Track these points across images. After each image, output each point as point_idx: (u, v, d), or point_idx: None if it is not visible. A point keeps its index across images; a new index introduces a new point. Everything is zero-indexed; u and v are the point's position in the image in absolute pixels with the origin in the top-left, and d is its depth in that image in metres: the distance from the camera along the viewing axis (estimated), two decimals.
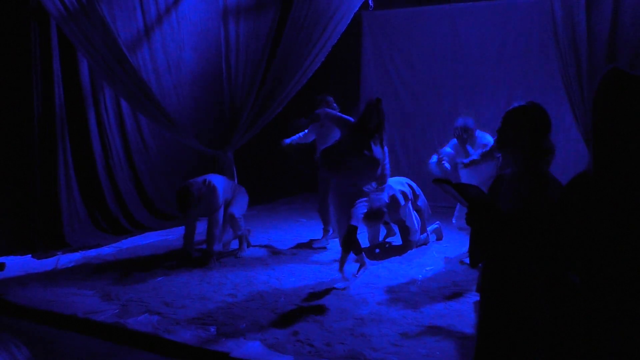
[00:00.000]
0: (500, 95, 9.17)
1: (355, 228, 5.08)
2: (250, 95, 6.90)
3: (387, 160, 5.27)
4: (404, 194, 6.35)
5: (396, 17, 10.03)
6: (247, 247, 6.56)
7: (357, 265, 5.54)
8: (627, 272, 1.81)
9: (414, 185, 6.66)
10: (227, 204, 6.29)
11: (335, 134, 5.85)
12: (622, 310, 1.82)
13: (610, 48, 5.12)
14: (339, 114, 5.36)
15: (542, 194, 2.34)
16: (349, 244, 5.14)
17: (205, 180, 6.01)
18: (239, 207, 6.41)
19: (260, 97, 6.95)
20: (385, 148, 5.22)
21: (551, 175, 2.43)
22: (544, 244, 2.08)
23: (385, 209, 5.67)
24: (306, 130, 6.63)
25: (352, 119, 5.19)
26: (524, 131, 2.46)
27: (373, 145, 5.04)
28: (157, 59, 7.83)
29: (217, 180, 6.13)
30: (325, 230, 6.83)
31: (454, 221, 6.07)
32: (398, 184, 6.49)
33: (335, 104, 6.51)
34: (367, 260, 5.63)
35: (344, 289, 5.10)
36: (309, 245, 6.77)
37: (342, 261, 5.25)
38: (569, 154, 7.83)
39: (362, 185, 5.15)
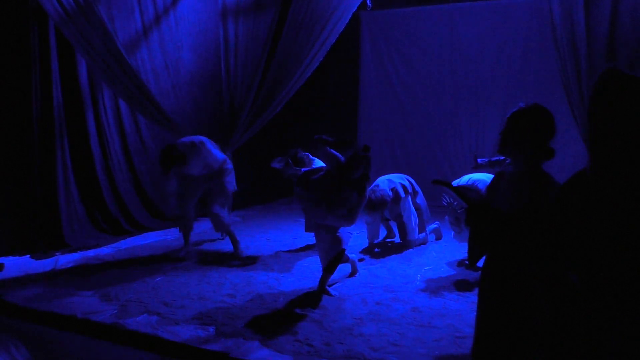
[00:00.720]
0: (499, 95, 9.18)
1: (343, 251, 4.98)
2: (249, 95, 6.91)
3: (361, 208, 5.01)
4: (404, 187, 6.43)
5: (395, 17, 10.03)
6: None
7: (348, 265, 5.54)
8: (626, 271, 1.81)
9: (413, 181, 6.69)
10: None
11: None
12: (621, 309, 1.82)
13: (609, 48, 5.12)
14: (335, 153, 4.97)
15: (542, 195, 2.34)
16: (335, 266, 5.02)
17: (193, 140, 6.02)
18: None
19: (259, 97, 6.96)
20: (367, 195, 5.08)
21: (551, 177, 2.44)
22: (544, 244, 2.09)
23: (387, 198, 5.66)
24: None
25: (342, 159, 4.90)
26: (526, 132, 2.46)
27: (349, 190, 4.80)
28: (155, 59, 7.83)
29: (208, 141, 6.15)
30: None
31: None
32: (398, 177, 6.57)
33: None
34: (358, 266, 5.64)
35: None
36: (308, 245, 6.77)
37: (324, 282, 5.04)
38: (568, 155, 7.82)
39: (330, 220, 4.88)
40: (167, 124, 6.75)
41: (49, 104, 6.54)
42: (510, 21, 9.11)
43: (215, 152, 6.19)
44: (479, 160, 6.19)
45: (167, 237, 7.23)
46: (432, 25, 9.72)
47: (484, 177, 5.70)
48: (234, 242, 6.36)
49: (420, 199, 6.68)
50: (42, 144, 6.50)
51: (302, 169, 5.65)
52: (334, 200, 4.76)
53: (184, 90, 8.29)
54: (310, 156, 6.40)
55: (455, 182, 5.57)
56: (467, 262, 5.72)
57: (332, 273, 5.04)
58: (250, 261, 6.11)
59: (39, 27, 6.37)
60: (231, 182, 6.27)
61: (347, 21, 6.74)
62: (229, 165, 6.26)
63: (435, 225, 6.99)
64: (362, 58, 10.41)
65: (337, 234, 4.93)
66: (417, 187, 6.68)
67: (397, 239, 6.84)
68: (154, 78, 7.77)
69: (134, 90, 6.39)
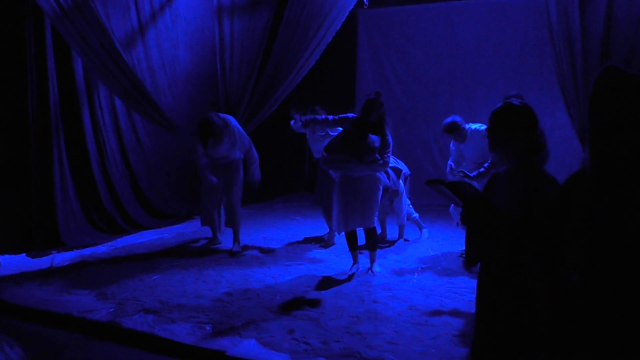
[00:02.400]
0: (495, 92, 9.16)
1: (374, 229, 5.43)
2: (245, 93, 6.89)
3: (389, 150, 5.32)
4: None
5: (392, 15, 10.03)
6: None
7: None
8: (626, 270, 1.81)
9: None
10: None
11: (326, 138, 6.15)
12: (621, 308, 1.82)
13: (605, 46, 5.13)
14: (336, 117, 5.38)
15: (537, 192, 2.33)
16: (376, 243, 5.57)
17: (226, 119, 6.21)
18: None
19: (256, 96, 6.94)
20: (390, 138, 5.31)
21: (546, 173, 2.42)
22: (542, 242, 2.08)
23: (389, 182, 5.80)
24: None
25: (351, 115, 5.35)
26: (515, 129, 2.44)
27: (373, 136, 5.17)
28: (151, 58, 7.82)
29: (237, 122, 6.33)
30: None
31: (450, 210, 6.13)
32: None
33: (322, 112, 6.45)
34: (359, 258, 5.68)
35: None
36: (305, 243, 6.78)
37: (373, 258, 5.60)
38: (564, 152, 7.84)
39: (364, 170, 5.23)
40: (163, 122, 6.74)
41: (45, 102, 6.51)
42: (507, 19, 9.11)
43: (244, 134, 6.31)
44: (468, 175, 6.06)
45: (164, 236, 7.22)
46: (429, 23, 9.72)
47: None
48: (238, 237, 6.46)
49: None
50: (38, 142, 6.47)
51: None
52: (360, 150, 5.13)
53: (180, 89, 8.28)
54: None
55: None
56: (463, 256, 5.74)
57: (376, 250, 5.58)
58: (247, 258, 6.11)
59: (35, 25, 6.34)
60: (256, 171, 6.39)
61: (344, 19, 6.72)
62: (255, 153, 6.36)
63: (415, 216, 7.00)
64: (359, 56, 10.40)
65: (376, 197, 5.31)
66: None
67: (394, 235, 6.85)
68: (150, 76, 7.76)
69: (130, 88, 6.37)
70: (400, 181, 6.38)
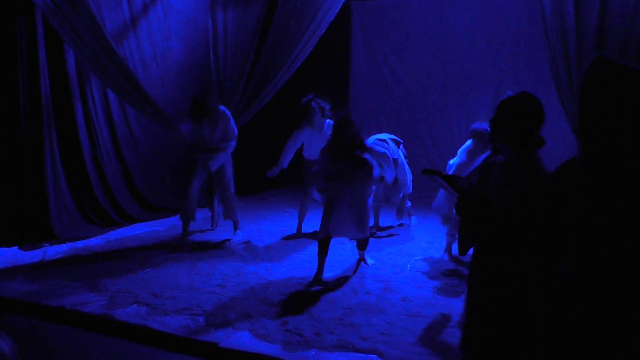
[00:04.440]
0: (489, 85, 9.20)
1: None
2: (238, 85, 6.86)
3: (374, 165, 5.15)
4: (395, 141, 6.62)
5: (385, 7, 10.01)
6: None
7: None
8: (617, 261, 1.81)
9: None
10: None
11: (320, 139, 6.25)
12: (614, 300, 1.82)
13: (599, 38, 5.13)
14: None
15: (533, 185, 2.33)
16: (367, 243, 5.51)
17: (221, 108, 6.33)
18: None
19: (249, 88, 6.92)
20: (368, 157, 5.08)
21: (543, 167, 2.42)
22: (533, 234, 2.08)
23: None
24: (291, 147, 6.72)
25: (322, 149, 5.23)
26: (517, 122, 2.44)
27: (360, 153, 5.02)
28: (143, 49, 7.76)
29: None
30: None
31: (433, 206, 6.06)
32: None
33: (324, 104, 6.47)
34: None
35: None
36: (297, 234, 6.78)
37: (362, 257, 5.61)
38: (558, 145, 7.83)
39: (365, 188, 5.12)
40: (155, 115, 6.70)
41: (37, 95, 6.47)
42: (501, 11, 9.12)
43: (234, 127, 6.40)
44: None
45: (156, 228, 7.20)
46: (423, 15, 9.71)
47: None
48: (237, 227, 6.67)
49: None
50: (30, 135, 6.43)
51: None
52: (349, 170, 4.97)
53: (172, 81, 8.23)
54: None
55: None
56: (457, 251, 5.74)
57: (365, 249, 5.53)
58: (240, 251, 6.11)
59: (25, 17, 6.29)
60: (217, 161, 6.38)
61: (337, 11, 6.69)
62: (231, 146, 6.41)
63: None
64: (352, 48, 10.39)
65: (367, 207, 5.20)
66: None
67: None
68: (142, 68, 7.71)
69: (122, 81, 6.32)
70: (400, 150, 6.50)
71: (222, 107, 6.36)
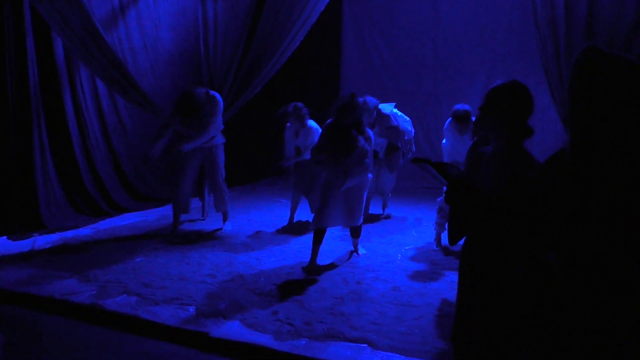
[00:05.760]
0: (480, 75, 9.20)
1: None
2: (229, 75, 6.83)
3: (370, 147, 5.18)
4: None
5: None
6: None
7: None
8: (606, 251, 1.82)
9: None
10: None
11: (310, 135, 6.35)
12: (602, 290, 1.83)
13: (588, 28, 5.14)
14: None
15: (523, 175, 2.32)
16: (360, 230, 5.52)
17: (207, 91, 6.22)
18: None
19: (239, 77, 6.88)
20: (366, 146, 5.08)
21: (532, 157, 2.41)
22: (524, 224, 2.09)
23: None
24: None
25: (328, 120, 5.22)
26: (507, 110, 2.42)
27: (355, 134, 5.05)
28: (133, 38, 7.69)
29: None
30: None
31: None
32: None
33: (305, 109, 6.43)
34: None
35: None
36: (289, 226, 6.78)
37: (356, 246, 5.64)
38: (547, 134, 7.89)
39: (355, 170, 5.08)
40: (145, 104, 6.65)
41: (25, 84, 6.40)
42: (493, 3, 9.11)
43: (221, 119, 6.32)
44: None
45: (147, 218, 7.18)
46: (415, 5, 9.69)
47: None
48: (227, 218, 6.67)
49: None
50: (19, 125, 6.37)
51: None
52: (344, 150, 5.01)
53: (162, 70, 8.18)
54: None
55: None
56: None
57: (359, 237, 5.55)
58: (231, 241, 6.10)
59: (13, 4, 6.21)
60: (184, 146, 6.29)
61: (328, 0, 6.67)
62: (206, 137, 6.26)
63: None
64: (343, 37, 10.36)
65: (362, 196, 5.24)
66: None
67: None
68: (131, 57, 7.65)
69: (112, 69, 6.27)
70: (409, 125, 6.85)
71: (212, 93, 6.24)
